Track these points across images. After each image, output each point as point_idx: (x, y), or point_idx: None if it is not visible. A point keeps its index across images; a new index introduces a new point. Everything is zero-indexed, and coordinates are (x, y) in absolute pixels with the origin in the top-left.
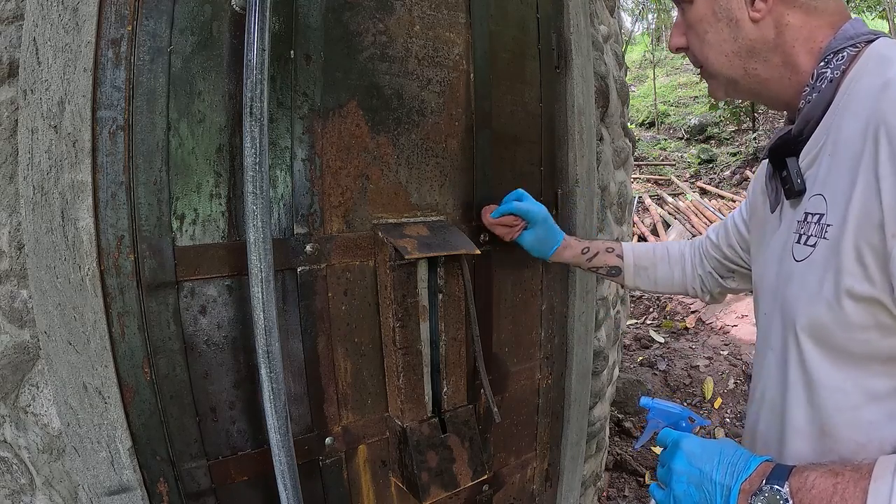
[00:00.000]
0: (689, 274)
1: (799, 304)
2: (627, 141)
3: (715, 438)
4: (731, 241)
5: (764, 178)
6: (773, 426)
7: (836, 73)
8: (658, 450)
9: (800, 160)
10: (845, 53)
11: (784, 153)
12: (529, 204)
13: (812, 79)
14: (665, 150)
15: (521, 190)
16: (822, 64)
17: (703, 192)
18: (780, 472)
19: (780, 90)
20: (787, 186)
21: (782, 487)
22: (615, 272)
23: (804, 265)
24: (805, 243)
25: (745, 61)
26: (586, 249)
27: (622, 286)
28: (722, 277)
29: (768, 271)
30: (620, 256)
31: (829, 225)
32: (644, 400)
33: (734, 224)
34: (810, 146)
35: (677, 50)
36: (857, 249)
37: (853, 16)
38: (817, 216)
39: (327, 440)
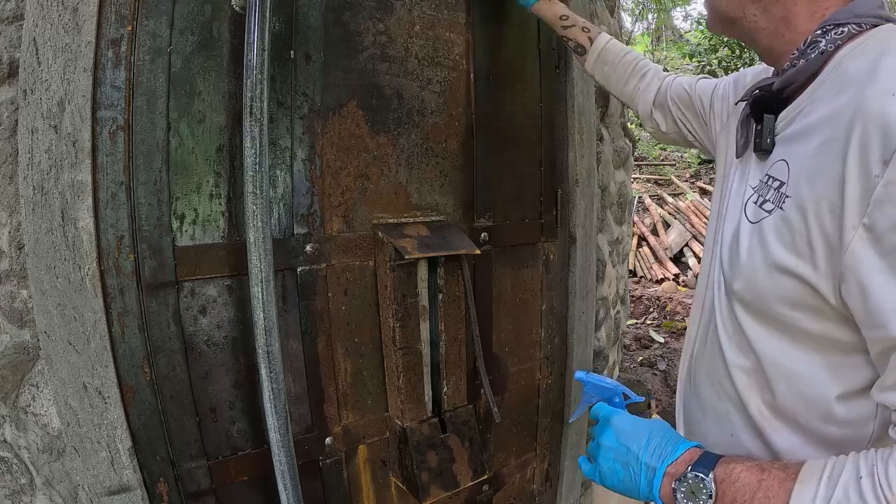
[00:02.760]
0: (640, 96)
1: (739, 266)
2: (627, 141)
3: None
4: (692, 109)
5: (731, 98)
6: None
7: (830, 47)
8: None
9: (778, 119)
10: (846, 29)
11: (764, 108)
12: None
13: (804, 44)
14: (665, 150)
15: None
16: (818, 32)
17: (703, 192)
18: (707, 461)
19: (771, 44)
20: (758, 140)
21: (707, 476)
22: (580, 51)
23: (754, 228)
24: (761, 206)
25: (745, 4)
26: (565, 17)
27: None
28: (668, 123)
29: (720, 214)
30: (591, 41)
31: (787, 196)
32: (578, 373)
33: (702, 93)
34: (790, 110)
35: None
36: (808, 231)
37: None
38: (777, 182)
39: (327, 440)
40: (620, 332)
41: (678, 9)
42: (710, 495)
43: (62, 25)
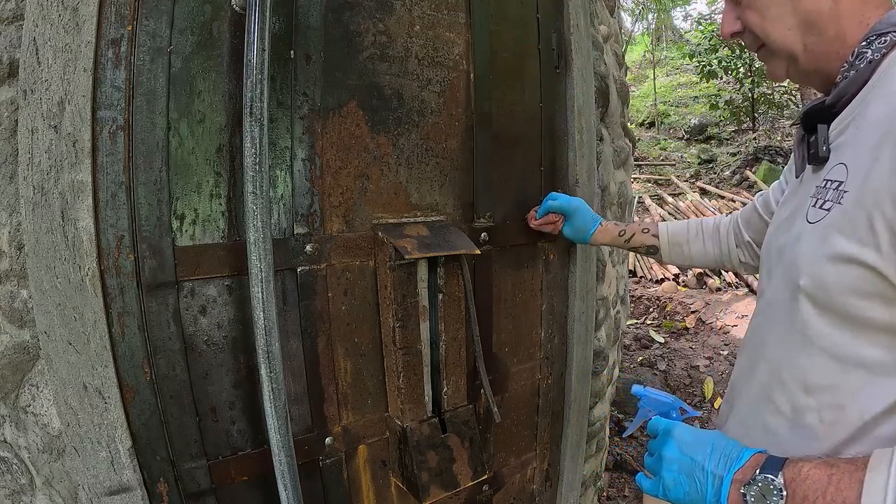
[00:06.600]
0: (725, 247)
1: (803, 263)
2: (627, 141)
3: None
4: (763, 219)
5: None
6: (761, 381)
7: (877, 56)
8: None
9: (830, 129)
10: (888, 38)
11: (816, 120)
12: (561, 201)
13: (852, 56)
14: (665, 150)
15: (552, 192)
16: (864, 44)
17: (704, 192)
18: (774, 463)
19: (830, 66)
20: (812, 151)
21: (776, 477)
22: (653, 251)
23: (815, 227)
24: (821, 207)
25: (804, 34)
26: (623, 232)
27: (659, 262)
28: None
29: (780, 231)
30: (656, 236)
31: (845, 191)
32: (636, 388)
33: (765, 203)
34: (841, 118)
35: (732, 35)
36: (869, 219)
37: None
38: (836, 183)
39: (327, 440)
40: (620, 332)
41: (678, 9)
42: (782, 496)
43: (62, 25)
